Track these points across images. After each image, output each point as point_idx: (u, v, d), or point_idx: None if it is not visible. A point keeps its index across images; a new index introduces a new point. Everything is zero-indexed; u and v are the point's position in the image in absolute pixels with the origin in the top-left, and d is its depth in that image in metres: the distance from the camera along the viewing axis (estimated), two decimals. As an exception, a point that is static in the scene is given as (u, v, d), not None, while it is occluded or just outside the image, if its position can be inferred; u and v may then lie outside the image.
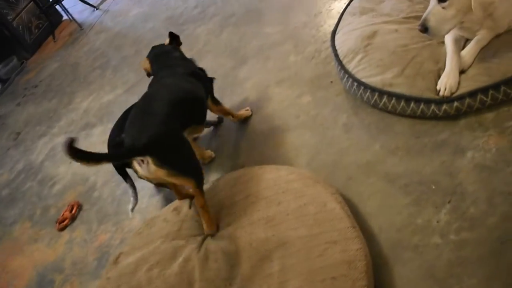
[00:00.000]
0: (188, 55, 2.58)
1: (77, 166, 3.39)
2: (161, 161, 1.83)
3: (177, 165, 1.90)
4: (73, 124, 4.06)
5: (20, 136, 4.51)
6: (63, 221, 2.94)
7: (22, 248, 3.01)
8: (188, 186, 2.05)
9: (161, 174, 1.85)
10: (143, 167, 1.85)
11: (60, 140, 3.93)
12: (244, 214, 1.97)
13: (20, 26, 6.45)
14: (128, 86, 4.04)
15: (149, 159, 1.82)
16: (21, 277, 2.79)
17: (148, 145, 1.82)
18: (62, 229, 2.92)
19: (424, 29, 1.96)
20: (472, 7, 1.86)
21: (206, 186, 2.22)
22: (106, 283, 2.06)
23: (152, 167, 1.82)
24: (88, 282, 2.44)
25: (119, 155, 2.01)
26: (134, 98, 3.69)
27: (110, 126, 3.52)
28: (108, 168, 3.15)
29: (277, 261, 1.73)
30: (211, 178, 2.52)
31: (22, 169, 3.87)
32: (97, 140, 3.57)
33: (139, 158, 1.85)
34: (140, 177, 1.96)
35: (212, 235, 2.01)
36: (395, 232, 1.79)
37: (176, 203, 2.29)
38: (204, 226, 2.03)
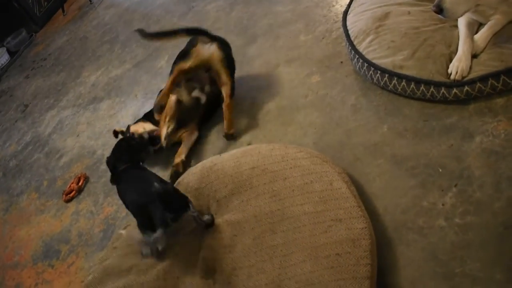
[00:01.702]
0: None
1: (84, 139, 3.42)
2: (221, 48, 2.54)
3: (229, 63, 2.59)
4: (81, 98, 4.06)
5: (28, 108, 4.53)
6: (69, 192, 2.97)
7: (28, 218, 3.05)
8: (225, 87, 2.56)
9: (217, 55, 2.51)
10: (206, 47, 2.50)
11: (68, 113, 3.95)
12: (250, 186, 1.97)
13: (30, -1, 6.41)
14: (136, 61, 4.02)
15: (215, 43, 2.52)
16: (27, 247, 2.83)
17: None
18: (68, 201, 2.94)
19: (439, 9, 1.93)
20: (491, -11, 1.83)
21: (213, 158, 2.24)
22: (112, 252, 2.09)
23: (214, 46, 2.51)
24: (94, 253, 2.47)
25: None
26: (142, 73, 3.72)
27: (117, 100, 3.56)
28: (115, 142, 3.18)
29: (281, 234, 1.75)
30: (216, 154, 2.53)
31: (30, 141, 3.89)
32: (104, 114, 3.57)
33: (207, 39, 2.54)
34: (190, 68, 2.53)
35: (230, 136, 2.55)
36: (400, 214, 1.80)
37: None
38: (225, 126, 2.55)
